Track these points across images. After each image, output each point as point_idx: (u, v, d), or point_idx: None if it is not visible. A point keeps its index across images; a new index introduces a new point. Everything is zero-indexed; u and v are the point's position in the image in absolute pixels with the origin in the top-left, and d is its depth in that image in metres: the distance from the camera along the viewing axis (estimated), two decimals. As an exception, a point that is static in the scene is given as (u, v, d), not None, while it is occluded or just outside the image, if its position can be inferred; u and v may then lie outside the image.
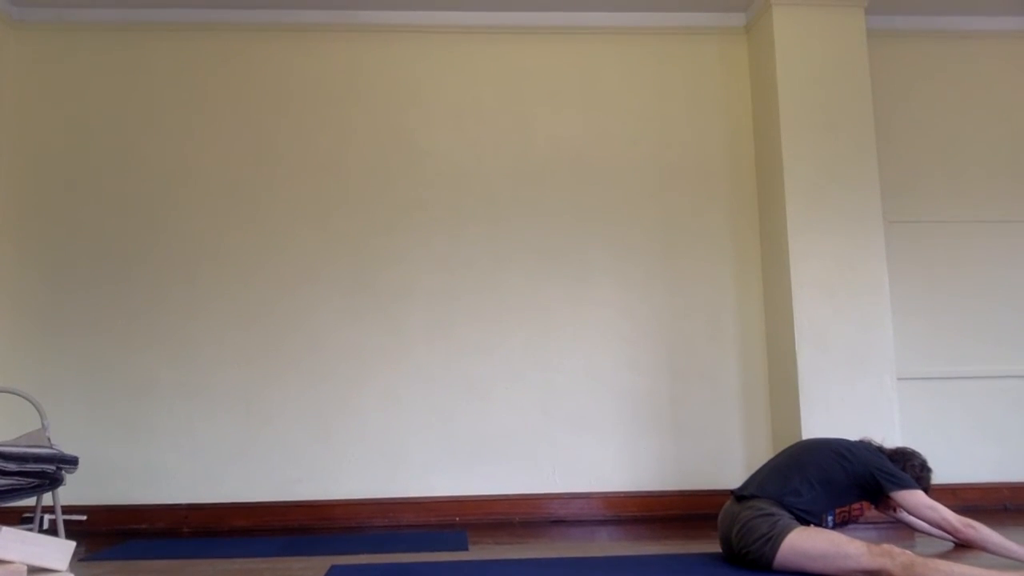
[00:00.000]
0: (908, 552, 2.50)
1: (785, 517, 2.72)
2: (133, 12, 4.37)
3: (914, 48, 4.65)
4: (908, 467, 2.99)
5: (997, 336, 4.44)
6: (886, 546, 2.52)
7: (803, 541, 2.63)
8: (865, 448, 2.96)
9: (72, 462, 3.24)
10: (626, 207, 4.43)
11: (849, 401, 4.01)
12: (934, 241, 4.50)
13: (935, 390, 4.38)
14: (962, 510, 4.15)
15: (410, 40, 4.50)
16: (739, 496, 2.84)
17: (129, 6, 4.35)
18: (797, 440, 3.98)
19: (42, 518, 3.64)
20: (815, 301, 4.07)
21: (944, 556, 3.01)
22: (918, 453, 3.10)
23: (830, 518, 2.87)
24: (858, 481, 2.86)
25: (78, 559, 3.20)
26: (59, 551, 2.28)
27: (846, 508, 2.90)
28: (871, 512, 3.03)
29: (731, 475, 4.24)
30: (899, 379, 4.13)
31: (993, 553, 2.76)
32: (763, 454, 4.26)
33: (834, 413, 3.99)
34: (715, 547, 3.26)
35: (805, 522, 2.74)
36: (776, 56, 4.24)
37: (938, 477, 4.26)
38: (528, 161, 4.44)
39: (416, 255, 4.34)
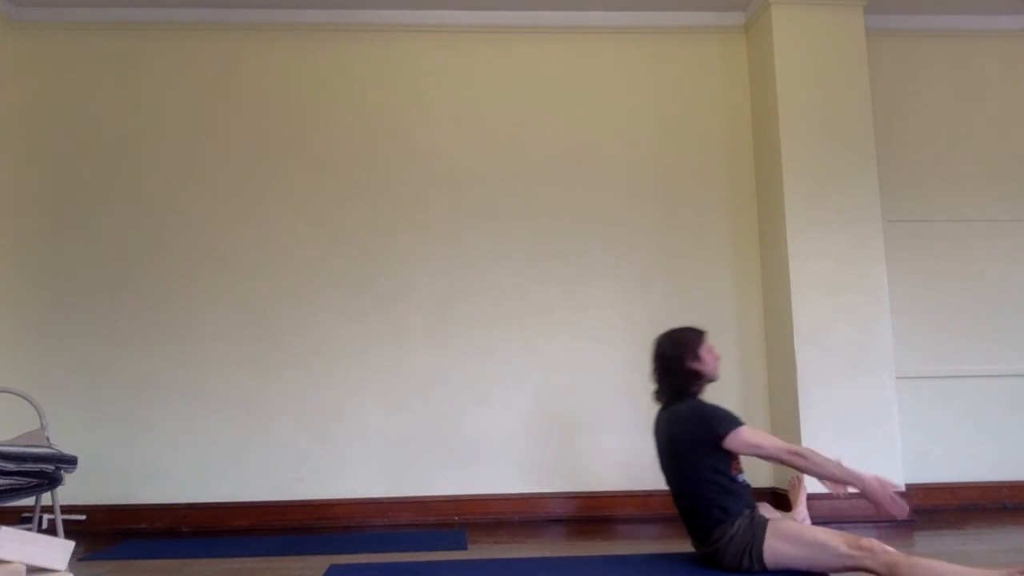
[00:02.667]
0: (892, 551, 2.45)
1: (736, 521, 2.69)
2: (132, 11, 4.37)
3: (913, 47, 4.65)
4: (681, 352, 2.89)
5: (996, 335, 4.44)
6: (867, 542, 2.48)
7: (781, 543, 2.63)
8: (680, 419, 2.86)
9: (71, 462, 3.24)
10: (625, 206, 4.43)
11: (848, 400, 4.01)
12: (933, 240, 4.50)
13: (934, 389, 4.38)
14: (961, 509, 4.20)
15: (409, 39, 4.50)
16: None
17: (128, 5, 4.34)
18: (796, 438, 3.99)
19: (41, 518, 3.64)
20: (814, 300, 4.07)
21: (935, 556, 3.01)
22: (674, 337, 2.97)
23: (739, 477, 2.82)
24: (706, 451, 2.78)
25: (77, 559, 3.19)
26: (58, 551, 2.28)
27: (730, 463, 2.81)
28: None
29: (730, 474, 4.24)
30: (898, 378, 4.13)
31: (819, 477, 2.73)
32: (762, 453, 4.27)
33: (833, 412, 4.00)
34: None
35: (738, 506, 2.72)
36: (775, 55, 4.24)
37: (937, 476, 4.31)
38: (527, 160, 4.44)
39: (416, 255, 4.34)
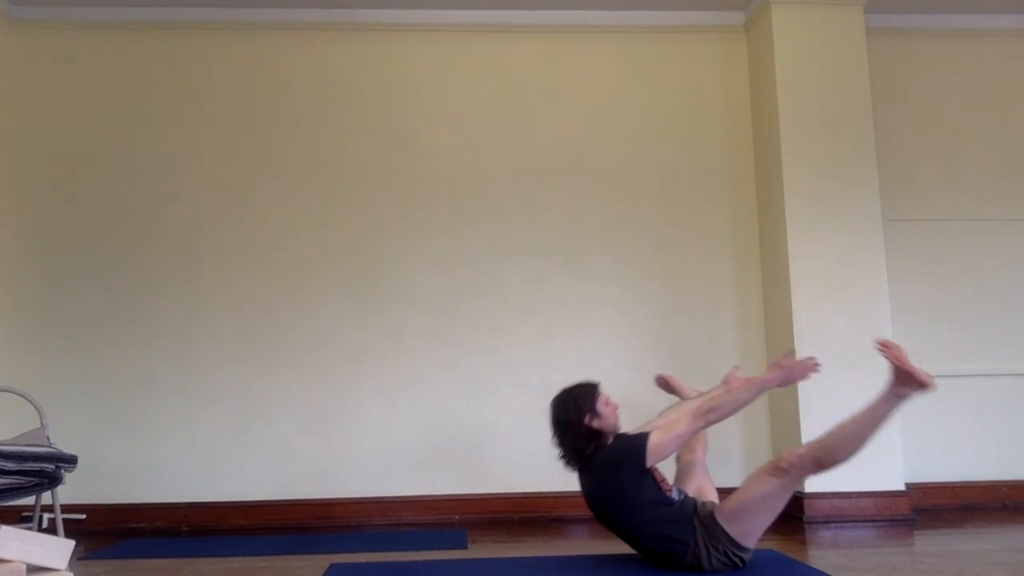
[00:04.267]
0: (804, 450, 2.64)
1: (694, 539, 2.68)
2: (131, 11, 4.36)
3: (913, 46, 4.65)
4: (577, 418, 2.81)
5: (996, 334, 4.44)
6: (783, 461, 2.62)
7: (740, 523, 2.65)
8: (602, 468, 2.81)
9: (71, 461, 3.24)
10: (625, 205, 4.43)
11: (848, 399, 3.96)
12: (933, 239, 4.50)
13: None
14: (961, 508, 4.20)
15: (409, 38, 4.49)
16: None
17: (127, 5, 4.34)
18: (796, 438, 3.99)
19: (41, 517, 3.65)
20: (814, 299, 4.07)
21: (935, 556, 3.01)
22: (569, 397, 2.87)
23: (674, 494, 2.78)
24: (638, 482, 2.73)
25: (77, 558, 3.19)
26: (58, 550, 2.28)
27: (659, 487, 2.78)
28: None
29: (730, 474, 4.23)
30: (898, 377, 4.12)
31: (739, 407, 2.77)
32: (762, 452, 4.27)
33: (833, 411, 3.96)
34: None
35: (687, 526, 2.70)
36: (775, 54, 4.23)
37: (937, 475, 4.31)
38: (528, 160, 4.44)
39: (416, 254, 4.34)
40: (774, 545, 3.28)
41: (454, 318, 4.30)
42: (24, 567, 2.18)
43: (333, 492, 4.12)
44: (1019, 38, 4.69)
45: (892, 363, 2.65)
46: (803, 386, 3.99)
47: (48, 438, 3.41)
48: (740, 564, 2.70)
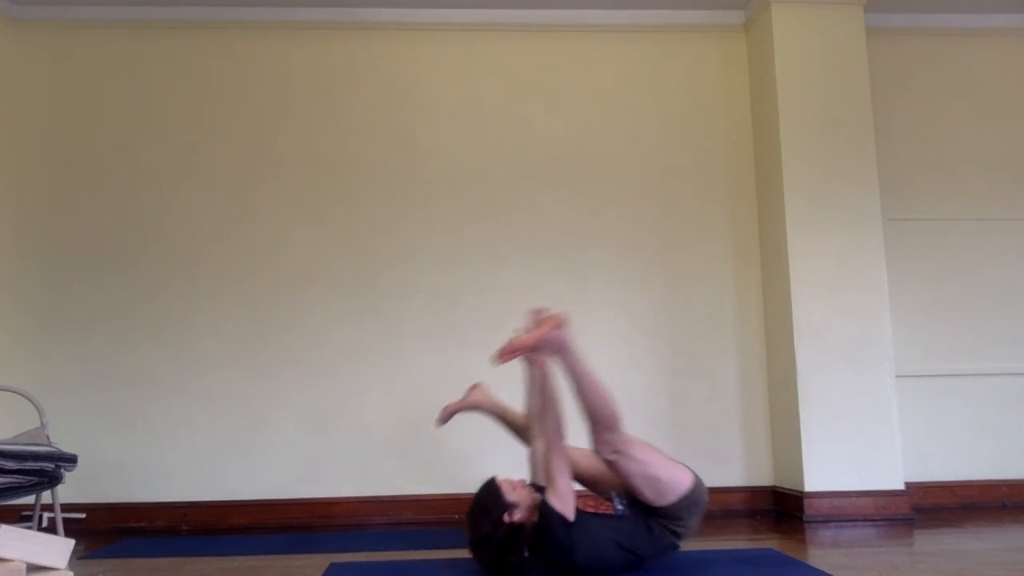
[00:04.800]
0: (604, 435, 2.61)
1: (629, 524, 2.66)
2: (131, 10, 4.36)
3: (913, 46, 4.65)
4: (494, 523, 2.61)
5: (996, 334, 4.44)
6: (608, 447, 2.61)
7: (651, 486, 2.63)
8: (537, 548, 2.66)
9: (71, 460, 3.24)
10: (625, 205, 4.43)
11: (848, 398, 4.02)
12: (933, 239, 4.50)
13: (934, 387, 4.39)
14: (960, 508, 4.21)
15: (409, 38, 4.49)
16: None
17: (127, 4, 4.34)
18: (796, 438, 3.99)
19: (41, 516, 3.65)
20: (814, 298, 4.07)
21: (935, 555, 3.01)
22: (482, 508, 2.67)
23: (617, 505, 2.72)
24: (569, 534, 2.60)
25: (77, 557, 3.19)
26: (58, 549, 2.28)
27: (594, 512, 2.72)
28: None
29: (730, 472, 4.25)
30: (898, 376, 4.13)
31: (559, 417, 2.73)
32: (762, 451, 4.28)
33: (833, 410, 4.00)
34: (713, 544, 3.27)
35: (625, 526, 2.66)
36: (775, 54, 4.23)
37: (937, 474, 4.31)
38: (528, 159, 4.44)
39: (416, 253, 4.33)
40: (774, 544, 3.28)
41: (454, 317, 4.30)
42: (24, 566, 2.18)
43: (333, 491, 4.13)
44: (1019, 38, 4.69)
45: (527, 353, 2.65)
46: (803, 385, 4.01)
47: (48, 437, 3.41)
48: (679, 533, 2.69)
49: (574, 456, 2.83)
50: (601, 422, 2.63)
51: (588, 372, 2.66)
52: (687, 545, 2.95)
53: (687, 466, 2.76)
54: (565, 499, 2.62)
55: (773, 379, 4.29)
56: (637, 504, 2.69)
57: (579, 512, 2.64)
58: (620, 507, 2.70)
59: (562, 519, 2.57)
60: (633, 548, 2.65)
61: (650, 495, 2.63)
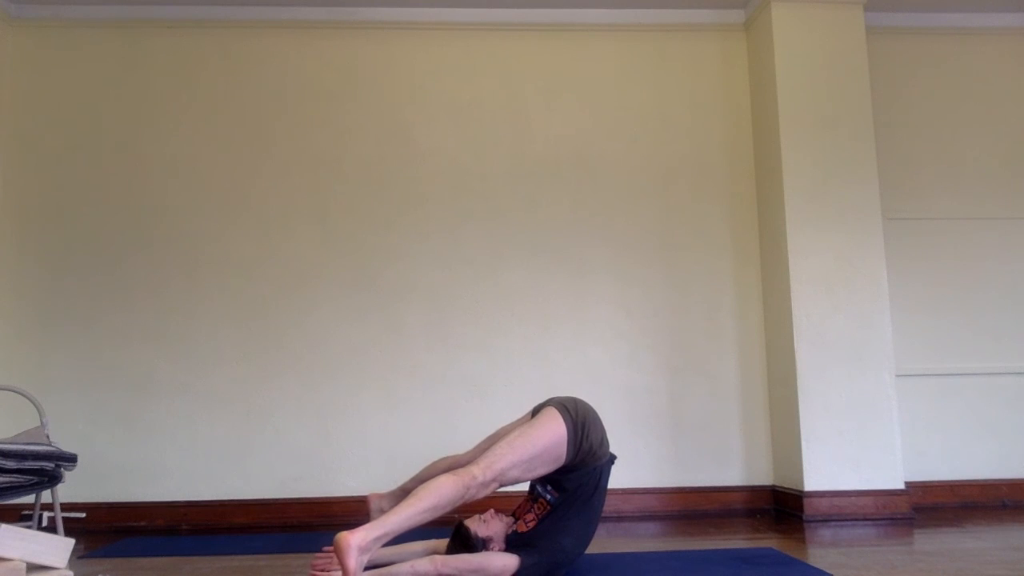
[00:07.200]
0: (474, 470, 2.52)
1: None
2: (131, 9, 4.36)
3: (913, 45, 4.65)
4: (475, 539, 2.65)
5: (996, 333, 4.45)
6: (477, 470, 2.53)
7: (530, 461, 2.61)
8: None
9: (71, 459, 3.24)
10: (625, 204, 4.43)
11: (848, 397, 4.02)
12: (933, 237, 4.50)
13: (934, 386, 4.39)
14: (960, 507, 4.22)
15: (409, 37, 4.49)
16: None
17: (127, 3, 4.34)
18: (796, 437, 3.99)
19: (41, 515, 3.64)
20: (814, 297, 4.07)
21: (934, 555, 3.01)
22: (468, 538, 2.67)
23: (547, 495, 2.71)
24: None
25: (77, 556, 3.20)
26: (58, 549, 2.28)
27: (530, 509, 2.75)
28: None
29: (730, 472, 4.25)
30: (898, 375, 4.13)
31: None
32: (761, 450, 4.28)
33: (833, 409, 4.00)
34: (713, 543, 3.27)
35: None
36: (775, 53, 4.24)
37: (936, 473, 4.32)
38: (527, 158, 4.44)
39: (415, 252, 4.34)
40: (774, 544, 3.28)
41: (454, 316, 4.30)
42: (24, 565, 2.18)
43: (333, 490, 4.13)
44: (1019, 37, 4.69)
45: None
46: (802, 384, 4.01)
47: (48, 436, 3.41)
48: (598, 455, 2.68)
49: (500, 468, 2.63)
50: (459, 500, 2.49)
51: (410, 517, 2.42)
52: (687, 545, 2.96)
53: (545, 410, 2.68)
54: (505, 565, 2.55)
55: (773, 378, 4.29)
56: (554, 478, 2.67)
57: (526, 534, 2.66)
58: (550, 496, 2.70)
59: (524, 568, 2.54)
60: (585, 509, 2.67)
61: (549, 467, 2.63)
